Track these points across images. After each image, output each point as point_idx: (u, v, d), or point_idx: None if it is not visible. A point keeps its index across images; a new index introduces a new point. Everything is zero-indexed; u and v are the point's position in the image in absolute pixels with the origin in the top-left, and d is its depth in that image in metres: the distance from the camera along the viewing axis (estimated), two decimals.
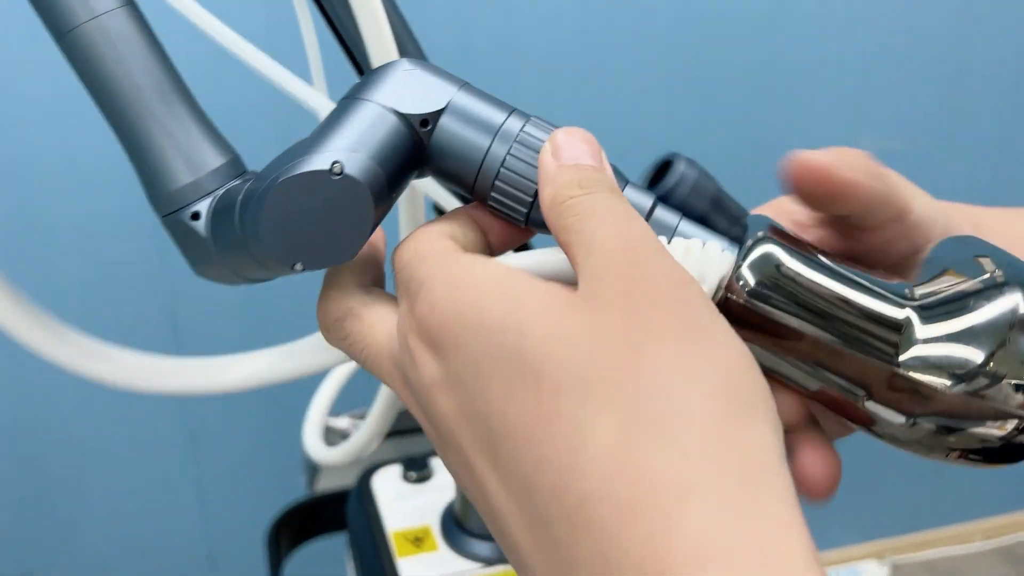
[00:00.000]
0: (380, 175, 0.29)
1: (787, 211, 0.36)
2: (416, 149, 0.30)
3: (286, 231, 0.28)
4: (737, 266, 0.29)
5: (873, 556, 1.43)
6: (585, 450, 0.23)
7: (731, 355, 0.24)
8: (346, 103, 0.30)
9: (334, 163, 0.28)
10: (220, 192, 0.30)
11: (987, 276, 0.28)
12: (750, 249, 0.29)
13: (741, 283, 0.29)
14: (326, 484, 0.85)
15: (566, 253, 0.27)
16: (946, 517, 1.46)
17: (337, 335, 0.30)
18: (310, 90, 0.42)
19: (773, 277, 0.29)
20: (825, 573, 0.22)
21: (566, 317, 0.24)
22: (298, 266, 0.28)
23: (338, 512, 0.76)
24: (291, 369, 0.37)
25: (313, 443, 0.59)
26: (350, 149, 0.28)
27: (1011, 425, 0.27)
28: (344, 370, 0.67)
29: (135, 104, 0.30)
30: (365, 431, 0.53)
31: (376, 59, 0.40)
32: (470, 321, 0.25)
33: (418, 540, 0.65)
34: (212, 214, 0.30)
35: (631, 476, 0.22)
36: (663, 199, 0.32)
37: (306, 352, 0.38)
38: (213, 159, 0.30)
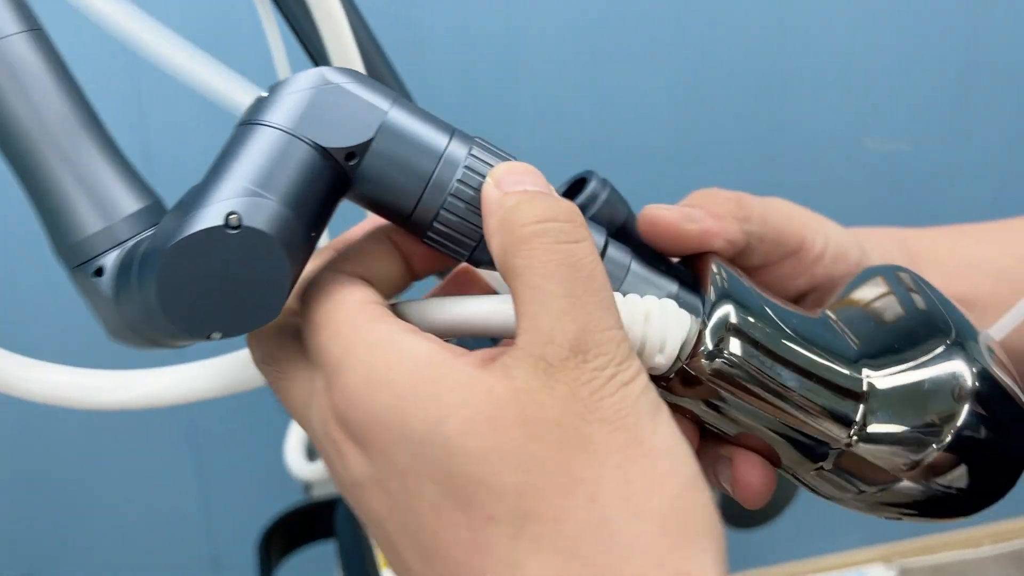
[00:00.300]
0: (291, 220, 0.24)
1: None
2: (338, 182, 0.26)
3: (189, 302, 0.24)
4: (700, 330, 0.28)
5: (881, 560, 1.41)
6: None
7: (676, 475, 0.23)
8: (247, 130, 0.25)
9: (229, 215, 0.23)
10: (130, 243, 0.26)
11: (935, 351, 0.28)
12: (712, 308, 0.28)
13: (703, 350, 0.27)
14: (322, 490, 0.85)
15: (513, 298, 0.25)
16: (957, 522, 1.44)
17: (265, 376, 0.28)
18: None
19: (739, 341, 0.27)
20: None
21: (497, 432, 0.22)
22: (215, 335, 0.25)
23: (330, 519, 0.76)
24: (216, 387, 0.33)
25: (294, 457, 0.59)
26: (250, 193, 0.24)
27: (963, 486, 0.28)
28: None
29: (38, 141, 0.26)
30: None
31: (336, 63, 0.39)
32: (393, 429, 0.23)
33: None
34: (118, 270, 0.25)
35: None
36: None
37: (236, 368, 0.33)
38: (128, 204, 0.26)
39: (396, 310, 0.27)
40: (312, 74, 0.26)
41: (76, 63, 0.86)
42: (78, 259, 0.26)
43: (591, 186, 0.30)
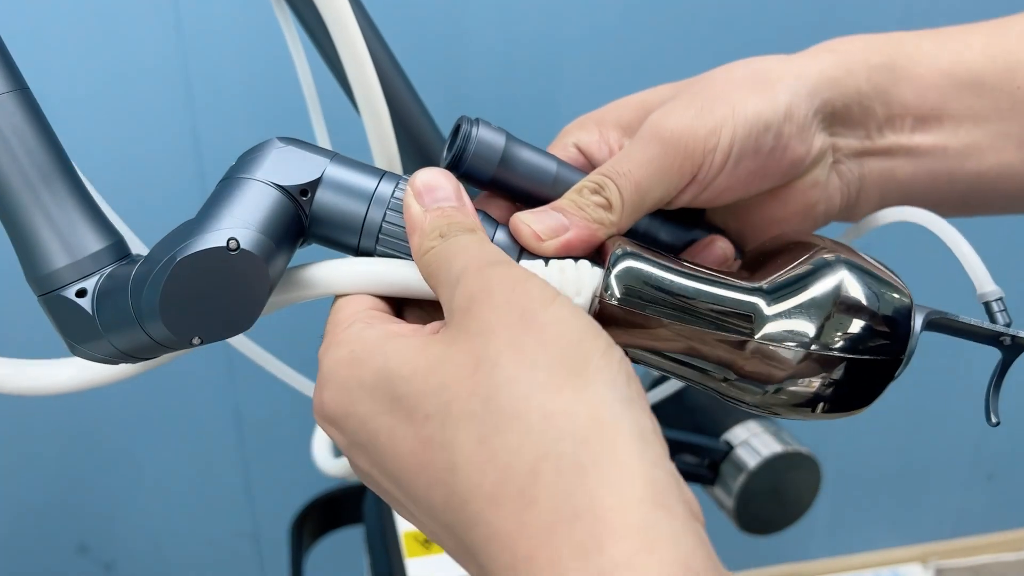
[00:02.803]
0: (272, 247, 0.30)
1: (573, 156, 0.38)
2: (298, 219, 0.32)
3: (184, 307, 0.29)
4: (606, 277, 0.32)
5: (917, 560, 1.40)
6: (456, 461, 0.25)
7: (563, 337, 0.26)
8: (226, 183, 0.32)
9: (230, 239, 0.29)
10: (105, 272, 0.30)
11: (817, 257, 0.33)
12: (614, 263, 0.33)
13: (609, 292, 0.32)
14: (355, 477, 0.87)
15: (436, 295, 0.30)
16: (995, 523, 1.42)
17: None
18: None
19: (637, 283, 0.32)
20: (675, 508, 0.24)
21: (426, 353, 0.27)
22: (196, 340, 0.30)
23: (360, 505, 0.77)
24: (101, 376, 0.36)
25: (321, 454, 0.61)
26: (241, 225, 0.29)
27: (850, 377, 0.33)
28: None
29: (16, 187, 0.30)
30: None
31: (360, 92, 0.41)
32: (351, 391, 0.29)
33: (427, 541, 0.66)
34: (97, 294, 0.30)
35: (492, 469, 0.24)
36: (457, 162, 0.35)
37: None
38: (92, 243, 0.30)
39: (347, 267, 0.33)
40: (271, 141, 0.33)
41: (127, 48, 0.88)
42: (44, 288, 0.30)
43: (463, 129, 0.35)
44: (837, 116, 0.36)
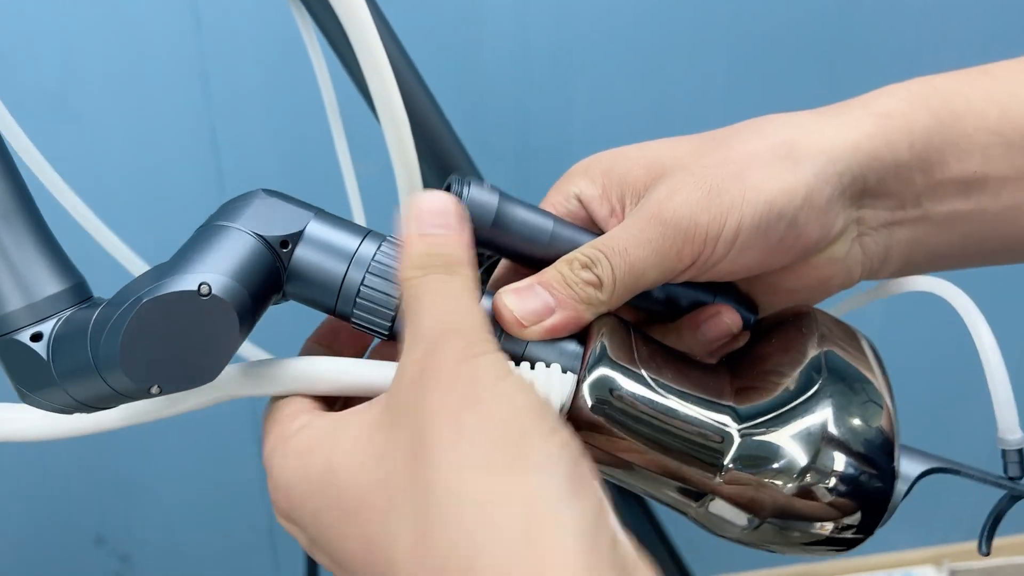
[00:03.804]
0: (245, 296, 0.29)
1: (573, 209, 0.37)
2: (276, 271, 0.31)
3: (146, 353, 0.27)
4: (579, 384, 0.31)
5: (931, 562, 1.39)
6: (395, 558, 0.25)
7: (504, 413, 0.25)
8: (205, 230, 0.30)
9: (201, 284, 0.27)
10: (64, 316, 0.29)
11: (809, 392, 0.31)
12: (590, 368, 0.31)
13: (581, 405, 0.31)
14: None
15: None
16: (1010, 525, 1.41)
17: None
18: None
19: (608, 401, 0.31)
20: None
21: (369, 446, 0.27)
22: (155, 389, 0.28)
23: None
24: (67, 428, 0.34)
25: None
26: (215, 271, 0.28)
27: (831, 525, 0.31)
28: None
29: None
30: None
31: (383, 112, 0.41)
32: (300, 486, 0.28)
33: None
34: (54, 339, 0.28)
35: (430, 568, 0.24)
36: None
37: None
38: (50, 285, 0.29)
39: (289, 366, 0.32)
40: (256, 191, 0.32)
41: (144, 48, 0.89)
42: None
43: (454, 189, 0.34)
44: (869, 190, 0.33)
